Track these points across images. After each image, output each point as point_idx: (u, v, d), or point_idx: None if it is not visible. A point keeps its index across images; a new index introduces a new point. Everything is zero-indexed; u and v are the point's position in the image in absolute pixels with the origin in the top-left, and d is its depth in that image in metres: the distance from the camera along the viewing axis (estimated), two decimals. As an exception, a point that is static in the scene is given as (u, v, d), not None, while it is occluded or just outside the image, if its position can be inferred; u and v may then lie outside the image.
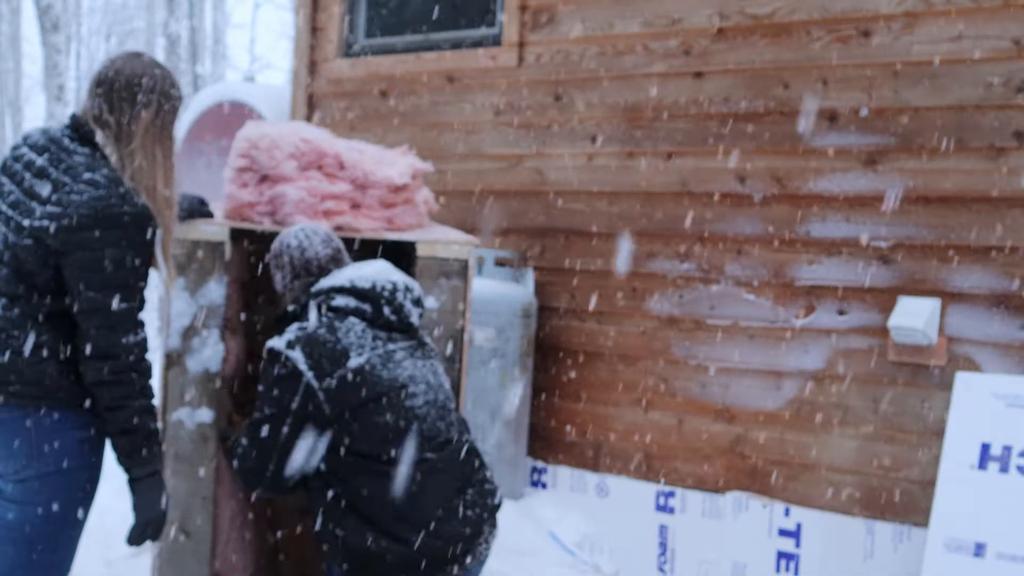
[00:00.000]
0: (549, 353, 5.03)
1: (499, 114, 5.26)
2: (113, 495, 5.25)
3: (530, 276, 5.07)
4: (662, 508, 4.68)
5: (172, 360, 3.25)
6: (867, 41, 4.25)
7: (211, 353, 3.25)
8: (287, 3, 24.34)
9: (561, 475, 4.99)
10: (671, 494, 4.66)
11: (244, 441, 2.80)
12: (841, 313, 4.29)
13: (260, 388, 2.79)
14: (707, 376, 4.61)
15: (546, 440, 5.05)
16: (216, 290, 3.26)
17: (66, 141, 2.61)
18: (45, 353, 2.53)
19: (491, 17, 5.38)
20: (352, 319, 2.81)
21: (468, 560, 2.75)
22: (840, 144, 4.30)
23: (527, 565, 4.39)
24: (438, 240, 3.44)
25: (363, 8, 5.88)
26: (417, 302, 2.92)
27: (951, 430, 3.86)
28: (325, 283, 2.89)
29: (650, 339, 4.77)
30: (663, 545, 4.67)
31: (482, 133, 5.32)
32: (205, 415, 3.25)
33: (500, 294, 4.77)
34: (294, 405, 2.71)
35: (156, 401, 2.62)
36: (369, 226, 3.44)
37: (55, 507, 2.57)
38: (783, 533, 4.36)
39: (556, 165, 5.07)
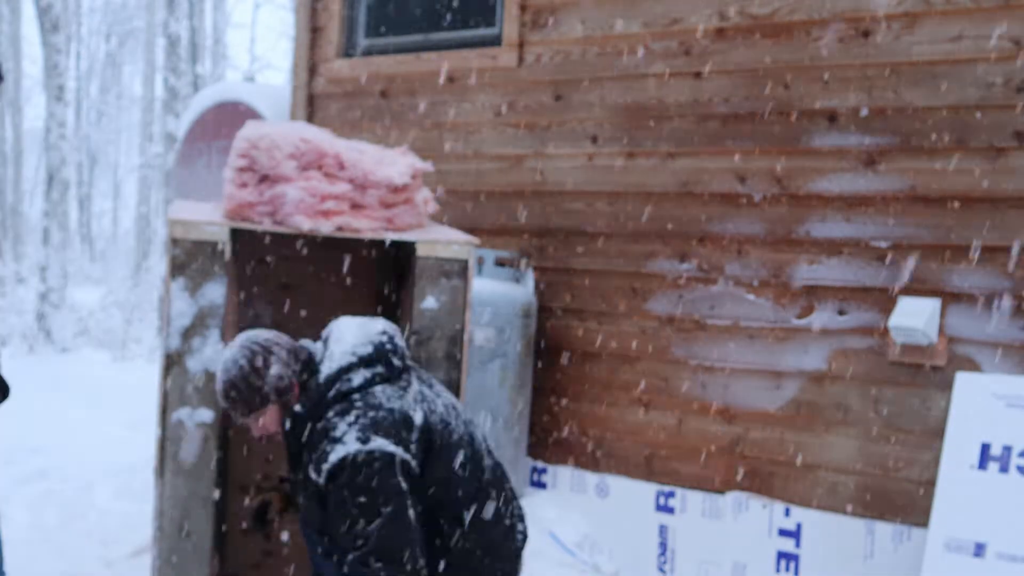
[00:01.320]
0: (549, 353, 5.03)
1: (499, 114, 5.26)
2: (113, 495, 5.27)
3: (530, 276, 5.07)
4: (662, 508, 4.68)
5: (172, 360, 3.25)
6: (867, 41, 4.25)
7: (211, 353, 3.25)
8: (287, 3, 24.34)
9: (561, 475, 4.99)
10: (671, 494, 4.66)
11: (380, 564, 2.60)
12: (841, 313, 4.29)
13: (359, 500, 2.60)
14: (707, 376, 4.61)
15: (546, 440, 5.05)
16: (216, 290, 3.26)
17: None
18: None
19: (491, 17, 5.38)
20: (378, 387, 2.74)
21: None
22: (840, 144, 4.30)
23: (527, 565, 4.38)
24: (438, 240, 3.44)
25: (363, 8, 5.88)
26: (398, 335, 2.91)
27: (951, 430, 3.86)
28: (328, 370, 2.76)
29: (650, 339, 4.77)
30: (663, 545, 4.67)
31: (482, 133, 5.32)
32: (205, 415, 3.25)
33: (500, 294, 4.77)
34: (404, 486, 2.63)
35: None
36: (369, 226, 3.44)
37: None
38: (783, 533, 4.36)
39: (556, 165, 5.07)
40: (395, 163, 3.53)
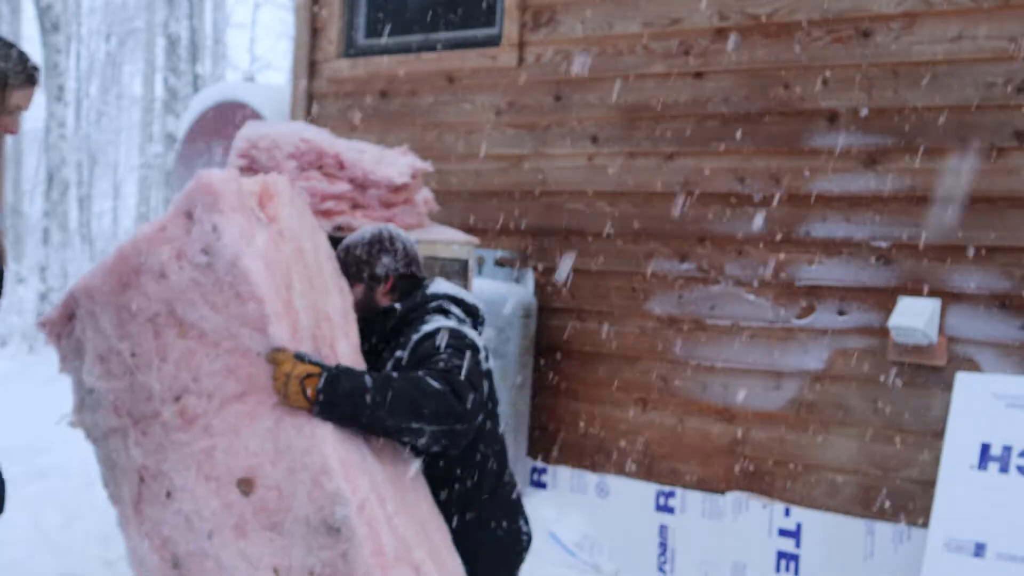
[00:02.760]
0: (549, 353, 5.03)
1: (499, 114, 5.26)
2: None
3: (530, 276, 5.07)
4: (662, 508, 4.68)
5: (172, 360, 3.24)
6: (867, 41, 4.25)
7: (211, 353, 3.24)
8: (287, 3, 24.34)
9: (561, 475, 4.99)
10: (671, 494, 4.66)
11: (464, 381, 2.60)
12: (841, 313, 4.29)
13: (448, 350, 2.67)
14: (707, 376, 4.61)
15: (546, 440, 5.05)
16: (216, 290, 3.25)
17: None
18: None
19: (491, 17, 5.38)
20: (468, 327, 2.87)
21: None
22: (840, 144, 4.30)
23: (527, 565, 4.38)
24: (438, 240, 3.45)
25: (363, 8, 5.88)
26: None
27: (951, 430, 3.86)
28: (438, 289, 2.92)
29: (650, 339, 4.76)
30: (663, 545, 4.66)
31: (482, 133, 5.32)
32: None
33: (500, 294, 4.77)
34: (482, 356, 2.74)
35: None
36: (369, 226, 3.44)
37: None
38: (783, 533, 4.36)
39: (556, 165, 5.07)
40: (395, 163, 3.54)
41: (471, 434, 2.60)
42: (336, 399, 2.47)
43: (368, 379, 2.52)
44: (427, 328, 2.74)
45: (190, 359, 2.50)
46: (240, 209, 2.49)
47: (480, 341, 2.81)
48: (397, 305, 2.88)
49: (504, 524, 2.90)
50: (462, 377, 2.58)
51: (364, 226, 3.09)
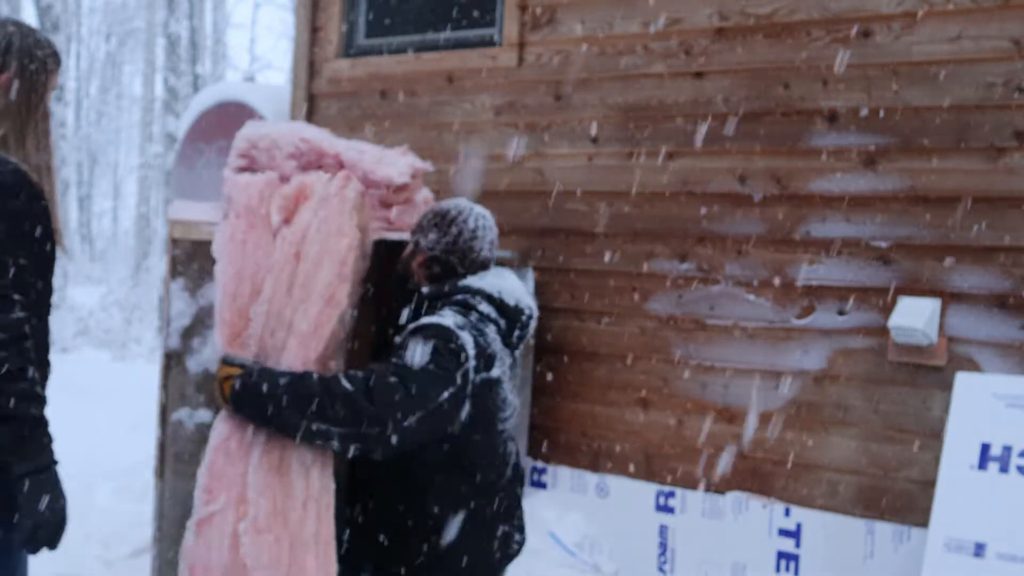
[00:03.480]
0: (549, 353, 5.02)
1: (499, 114, 5.26)
2: (114, 496, 5.27)
3: (530, 276, 5.07)
4: (662, 508, 4.68)
5: (172, 360, 3.25)
6: (867, 41, 4.25)
7: (211, 353, 3.25)
8: (287, 3, 24.36)
9: (561, 475, 4.99)
10: (671, 494, 4.66)
11: (392, 379, 2.52)
12: (841, 313, 4.29)
13: (420, 348, 2.58)
14: (707, 376, 4.61)
15: (546, 440, 5.05)
16: (216, 290, 3.26)
17: None
18: None
19: (491, 17, 5.38)
20: (492, 328, 2.75)
21: None
22: (840, 144, 4.30)
23: (527, 565, 4.39)
24: (438, 240, 3.44)
25: (363, 8, 5.88)
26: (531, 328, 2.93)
27: (951, 430, 3.86)
28: (473, 283, 2.79)
29: (650, 339, 4.77)
30: (663, 545, 4.67)
31: (482, 133, 5.32)
32: (205, 415, 3.25)
33: (500, 294, 4.77)
34: (458, 379, 2.57)
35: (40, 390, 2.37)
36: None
37: None
38: (783, 533, 4.36)
39: (556, 165, 5.07)
40: (395, 163, 3.53)
41: (393, 439, 2.49)
42: (246, 399, 2.52)
43: (283, 380, 2.52)
44: (427, 320, 2.67)
45: None
46: (245, 214, 2.58)
47: (483, 345, 2.66)
48: (424, 288, 2.83)
49: (483, 545, 2.75)
50: (390, 379, 2.50)
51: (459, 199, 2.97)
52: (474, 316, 2.72)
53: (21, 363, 2.28)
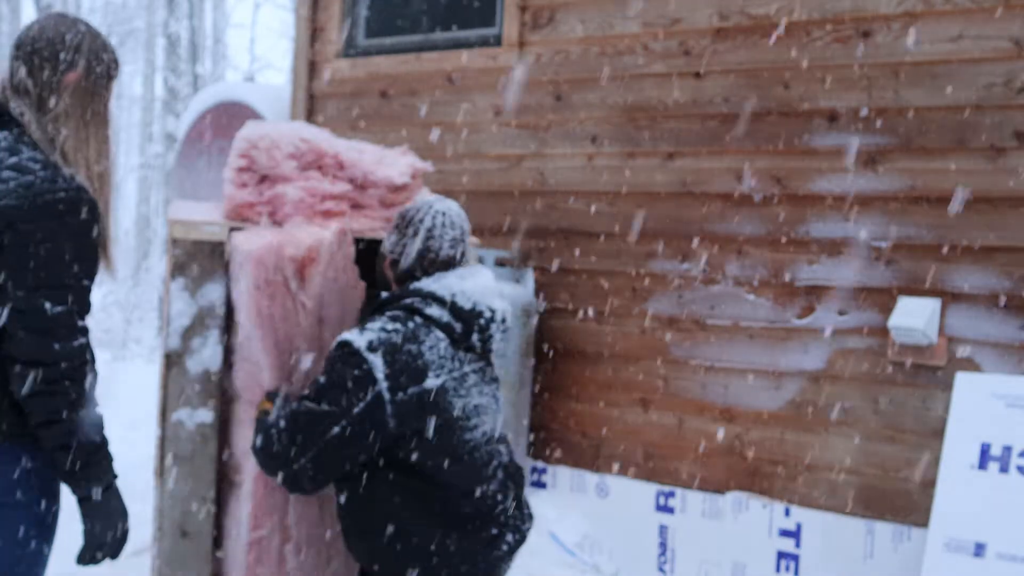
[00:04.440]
0: (549, 353, 5.03)
1: (499, 114, 5.26)
2: (113, 495, 5.26)
3: (530, 276, 5.07)
4: (662, 508, 4.68)
5: (172, 360, 3.24)
6: (867, 41, 4.25)
7: (211, 353, 3.25)
8: (287, 3, 24.36)
9: (561, 475, 4.99)
10: (671, 494, 4.66)
11: (282, 424, 2.58)
12: (841, 313, 4.29)
13: (322, 379, 2.58)
14: (707, 376, 4.61)
15: (546, 440, 5.05)
16: (216, 290, 3.26)
17: None
18: None
19: (491, 17, 5.38)
20: (439, 334, 2.62)
21: None
22: (840, 144, 4.30)
23: (527, 565, 4.39)
24: (438, 240, 3.44)
25: (363, 8, 5.88)
26: (506, 331, 2.78)
27: (951, 430, 3.86)
28: (426, 285, 2.67)
29: (650, 339, 4.77)
30: (663, 545, 4.67)
31: (482, 133, 5.32)
32: (205, 415, 3.25)
33: (500, 294, 4.77)
34: (356, 410, 2.51)
35: (98, 411, 2.37)
36: (369, 226, 3.44)
37: (7, 542, 2.38)
38: (783, 533, 4.36)
39: (556, 165, 5.07)
40: (395, 163, 3.53)
41: (299, 480, 2.60)
42: (258, 429, 2.71)
43: (275, 415, 2.70)
44: (341, 338, 2.59)
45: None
46: (265, 287, 2.89)
47: (406, 360, 2.54)
48: (383, 293, 2.77)
49: (466, 557, 2.62)
50: (280, 423, 2.61)
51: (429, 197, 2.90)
52: (414, 323, 2.61)
53: (82, 392, 2.28)
